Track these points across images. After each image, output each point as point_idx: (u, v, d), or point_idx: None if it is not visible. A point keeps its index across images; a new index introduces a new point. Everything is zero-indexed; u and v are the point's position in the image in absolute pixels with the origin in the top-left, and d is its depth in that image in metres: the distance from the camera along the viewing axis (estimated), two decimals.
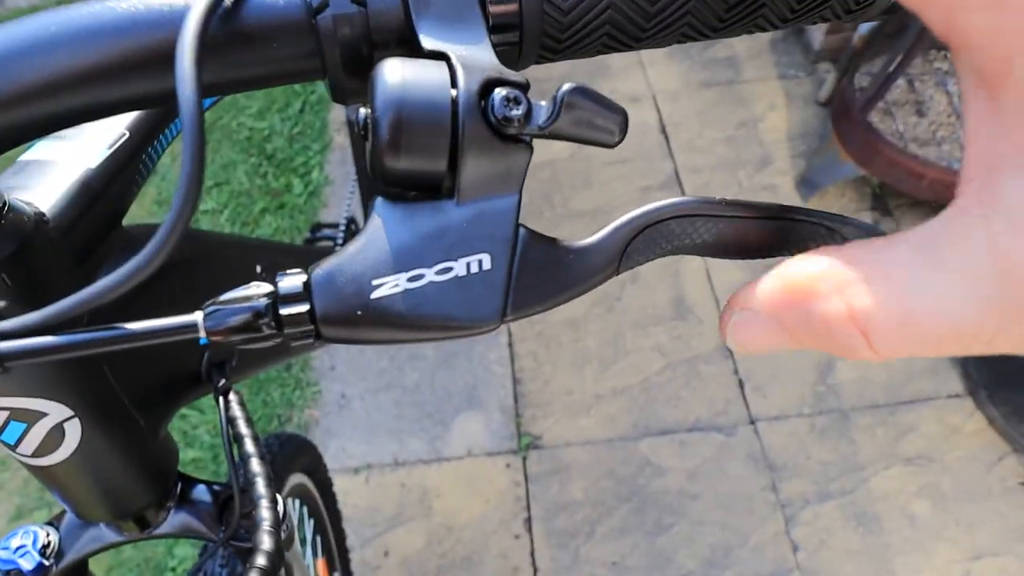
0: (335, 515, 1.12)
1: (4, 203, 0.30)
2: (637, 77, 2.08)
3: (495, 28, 0.21)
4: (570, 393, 1.53)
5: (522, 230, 0.19)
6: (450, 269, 0.18)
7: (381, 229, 0.18)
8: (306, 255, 0.76)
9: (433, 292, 0.18)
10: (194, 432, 1.50)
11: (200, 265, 0.47)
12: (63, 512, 0.47)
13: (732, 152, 1.90)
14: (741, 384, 1.53)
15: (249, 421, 0.43)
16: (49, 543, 0.44)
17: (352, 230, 1.32)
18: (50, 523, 0.46)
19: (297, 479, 0.91)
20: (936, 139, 1.60)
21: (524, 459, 1.45)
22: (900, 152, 1.52)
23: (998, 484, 1.39)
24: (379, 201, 0.19)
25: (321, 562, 1.05)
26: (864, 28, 1.68)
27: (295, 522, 0.86)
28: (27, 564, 0.43)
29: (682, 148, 1.91)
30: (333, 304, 0.18)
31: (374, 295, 0.18)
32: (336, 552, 1.13)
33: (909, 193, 1.58)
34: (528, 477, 1.43)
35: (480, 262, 0.18)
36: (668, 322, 1.62)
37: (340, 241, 1.28)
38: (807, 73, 2.04)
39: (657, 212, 0.19)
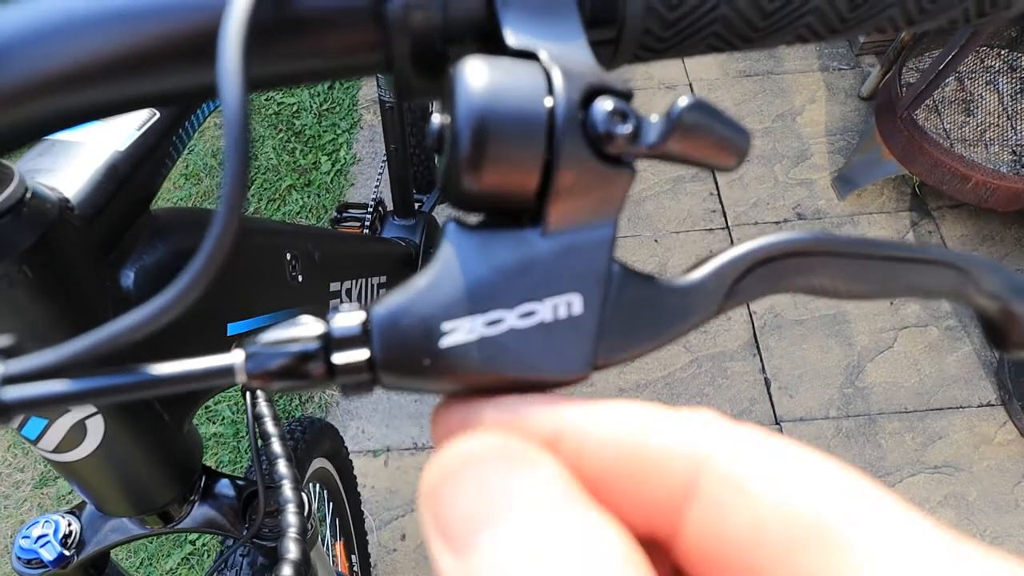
0: (354, 499, 1.12)
1: (26, 189, 0.28)
2: (674, 64, 2.03)
3: (591, 23, 0.19)
4: (592, 385, 1.51)
5: (616, 267, 0.16)
6: (534, 313, 0.15)
7: (454, 261, 0.15)
8: (335, 240, 0.74)
9: (513, 340, 0.15)
10: (216, 407, 1.50)
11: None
12: (85, 501, 0.46)
13: (769, 145, 1.85)
14: (767, 383, 1.50)
15: (276, 419, 0.41)
16: (71, 533, 0.44)
17: (380, 212, 1.30)
18: (72, 512, 0.45)
19: (319, 463, 0.90)
20: (984, 140, 1.54)
21: None
22: (946, 152, 1.46)
23: None
24: (451, 227, 0.16)
25: (339, 545, 1.05)
26: None
27: (315, 510, 0.86)
28: (48, 554, 0.42)
29: None
30: (396, 352, 0.15)
31: (444, 342, 0.15)
32: (354, 534, 1.12)
33: (952, 195, 1.53)
34: None
35: (570, 305, 0.15)
36: None
37: (367, 223, 1.26)
38: (850, 66, 1.98)
39: (770, 248, 0.17)
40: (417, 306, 0.15)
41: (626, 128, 0.15)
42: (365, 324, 0.15)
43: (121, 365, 0.15)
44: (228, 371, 0.15)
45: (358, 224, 1.27)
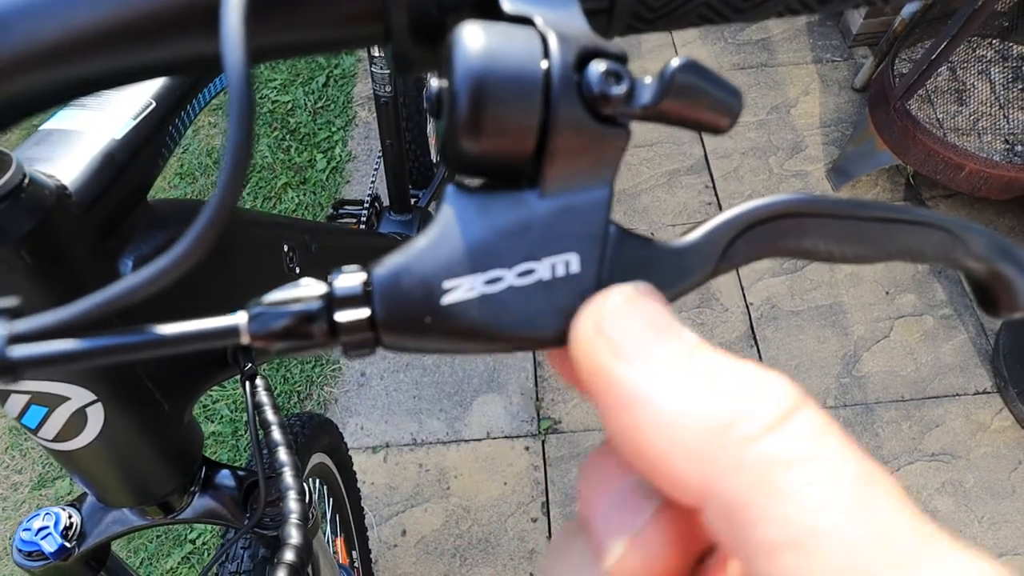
0: (354, 495, 1.12)
1: (24, 175, 0.28)
2: (668, 57, 2.03)
3: None
4: None
5: (612, 227, 0.16)
6: (533, 271, 0.16)
7: (454, 222, 0.15)
8: (332, 234, 0.74)
9: (513, 298, 0.15)
10: (214, 406, 1.50)
11: (225, 243, 0.46)
12: (86, 493, 0.46)
13: (763, 137, 1.85)
14: None
15: (276, 408, 0.41)
16: (71, 525, 0.44)
17: (376, 208, 1.30)
18: (72, 504, 0.45)
19: (318, 459, 0.90)
20: (977, 129, 1.55)
21: (543, 443, 1.44)
22: (939, 142, 1.47)
23: (1023, 483, 1.37)
24: (451, 190, 0.16)
25: (339, 541, 1.05)
26: (906, 11, 1.63)
27: (317, 505, 0.86)
28: (49, 546, 0.42)
29: None
30: (398, 310, 0.15)
31: (445, 300, 0.15)
32: (354, 530, 1.13)
33: (946, 184, 1.53)
34: (547, 461, 1.42)
35: (567, 263, 0.16)
36: (692, 309, 1.60)
37: (363, 219, 1.26)
38: (843, 57, 1.98)
39: (763, 210, 0.17)
40: (418, 265, 0.15)
41: (620, 89, 0.15)
42: (366, 284, 0.16)
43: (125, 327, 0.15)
44: (233, 331, 0.15)
45: (354, 220, 1.27)
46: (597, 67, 0.15)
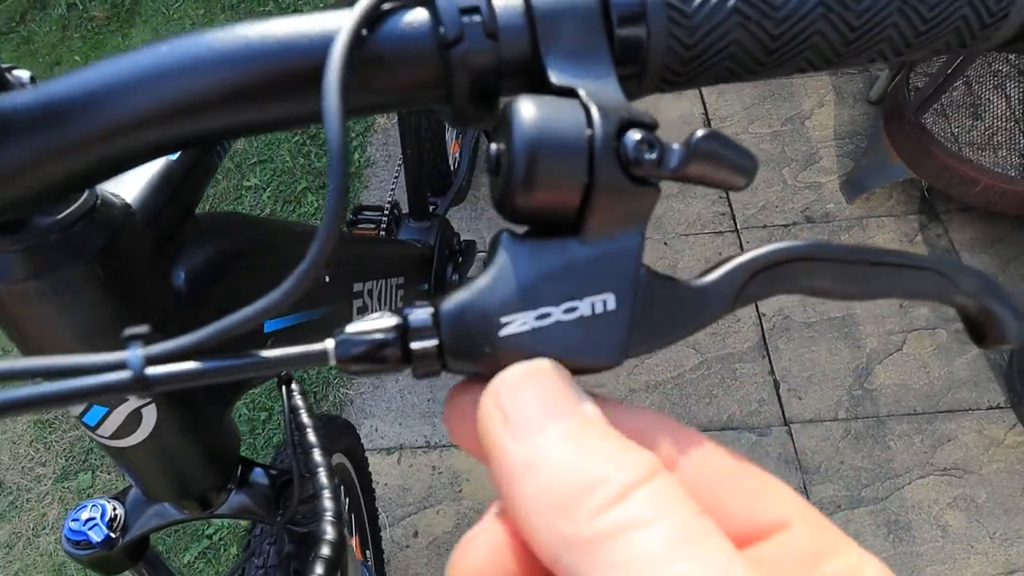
0: (369, 495, 1.14)
1: (97, 197, 0.31)
2: None
3: (620, 61, 0.21)
4: (602, 386, 1.53)
5: (643, 270, 0.19)
6: (576, 308, 0.18)
7: (509, 266, 0.18)
8: (359, 244, 0.76)
9: (559, 331, 0.18)
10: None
11: (253, 257, 0.48)
12: (128, 487, 0.48)
13: (777, 148, 1.87)
14: (776, 385, 1.51)
15: (311, 411, 0.44)
16: (116, 517, 0.46)
17: (396, 215, 1.33)
18: (116, 498, 0.48)
19: (338, 459, 0.93)
20: (992, 144, 1.55)
21: None
22: (953, 156, 1.48)
23: None
24: (505, 237, 0.19)
25: (355, 540, 1.08)
26: None
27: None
28: (96, 536, 0.45)
29: None
30: (462, 340, 0.18)
31: (502, 332, 0.18)
32: (369, 531, 1.15)
33: (960, 199, 1.54)
34: None
35: (605, 302, 0.18)
36: None
37: (383, 225, 1.29)
38: (859, 70, 1.99)
39: (775, 255, 0.19)
40: (479, 302, 0.18)
41: (652, 155, 0.18)
42: (435, 316, 0.18)
43: (230, 352, 0.18)
44: (322, 355, 0.18)
45: (373, 226, 1.30)
46: (633, 136, 0.18)
